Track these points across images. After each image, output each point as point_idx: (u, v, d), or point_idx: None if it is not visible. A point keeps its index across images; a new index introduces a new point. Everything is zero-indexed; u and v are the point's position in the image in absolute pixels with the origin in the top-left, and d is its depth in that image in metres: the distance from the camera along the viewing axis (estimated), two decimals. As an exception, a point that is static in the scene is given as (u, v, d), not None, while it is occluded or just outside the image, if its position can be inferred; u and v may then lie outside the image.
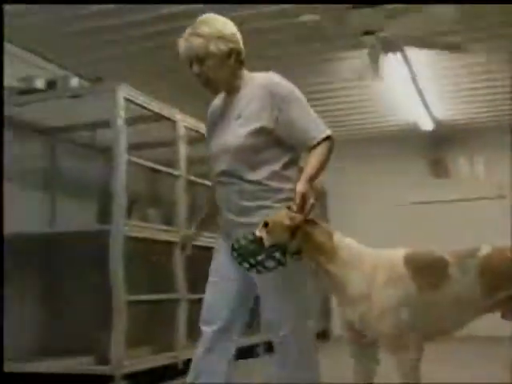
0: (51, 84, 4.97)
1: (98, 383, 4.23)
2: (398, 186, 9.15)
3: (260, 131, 2.63)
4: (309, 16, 5.08)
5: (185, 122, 5.33)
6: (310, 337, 2.75)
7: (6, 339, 3.94)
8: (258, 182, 2.64)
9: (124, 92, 4.48)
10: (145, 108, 4.82)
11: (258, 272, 2.46)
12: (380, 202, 9.20)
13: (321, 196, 8.98)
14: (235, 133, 2.66)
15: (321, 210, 9.09)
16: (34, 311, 5.24)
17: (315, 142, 2.61)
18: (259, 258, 2.41)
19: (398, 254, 2.59)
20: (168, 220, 5.37)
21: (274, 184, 2.64)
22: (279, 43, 5.76)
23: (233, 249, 2.44)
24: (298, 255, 2.49)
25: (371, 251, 2.59)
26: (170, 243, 4.94)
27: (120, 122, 4.41)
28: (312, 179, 2.54)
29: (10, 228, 4.24)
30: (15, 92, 5.01)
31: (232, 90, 2.75)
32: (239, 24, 2.74)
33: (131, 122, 4.64)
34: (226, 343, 2.73)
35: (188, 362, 2.95)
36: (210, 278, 2.78)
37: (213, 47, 2.64)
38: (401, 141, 9.14)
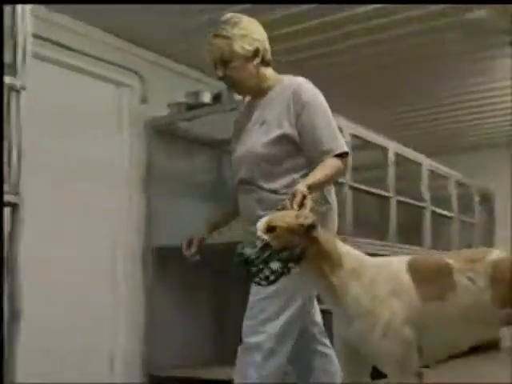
0: (217, 97, 5.12)
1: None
2: None
3: (281, 138, 2.53)
4: (476, 13, 4.86)
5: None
6: None
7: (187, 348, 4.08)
8: (276, 191, 2.52)
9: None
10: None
11: (271, 282, 2.13)
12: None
13: (487, 198, 8.60)
14: (258, 140, 2.57)
15: (488, 212, 8.68)
16: (209, 320, 5.46)
17: (331, 154, 2.47)
18: (273, 266, 2.09)
19: (401, 261, 2.27)
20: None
21: None
22: (444, 42, 5.53)
23: (238, 256, 2.08)
24: (297, 262, 2.14)
25: (373, 260, 2.29)
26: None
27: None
28: (311, 188, 2.31)
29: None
30: (184, 107, 5.23)
31: (259, 92, 2.66)
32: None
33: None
34: None
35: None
36: None
37: (237, 47, 2.56)
38: None
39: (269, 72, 2.66)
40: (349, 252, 2.24)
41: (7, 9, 2.82)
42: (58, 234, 4.60)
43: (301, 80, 2.62)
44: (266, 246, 2.07)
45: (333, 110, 2.61)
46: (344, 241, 2.30)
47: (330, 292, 2.20)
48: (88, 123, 4.95)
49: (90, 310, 4.78)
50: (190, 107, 5.21)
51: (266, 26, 2.71)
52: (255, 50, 2.58)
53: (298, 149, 2.55)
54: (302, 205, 2.20)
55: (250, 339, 2.50)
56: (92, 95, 5.04)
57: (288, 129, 2.53)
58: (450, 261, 2.23)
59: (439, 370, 3.25)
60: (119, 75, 5.20)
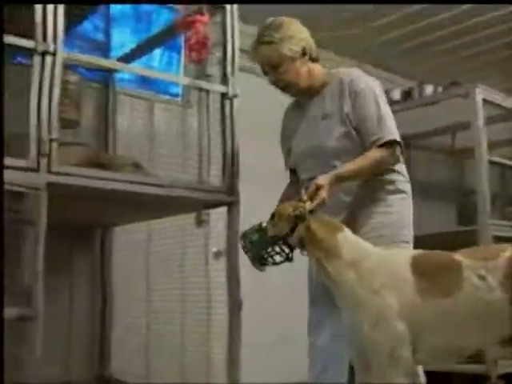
0: (407, 94, 5.22)
1: (472, 383, 4.30)
2: None
3: (347, 133, 2.51)
4: None
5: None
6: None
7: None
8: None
9: (482, 93, 4.51)
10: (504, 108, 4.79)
11: (264, 265, 2.28)
12: None
13: None
14: (325, 134, 2.54)
15: None
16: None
17: (377, 143, 2.42)
18: (268, 250, 2.24)
19: (406, 256, 2.17)
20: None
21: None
22: None
23: (241, 239, 2.31)
24: (302, 249, 2.26)
25: (378, 252, 2.20)
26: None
27: (480, 123, 4.45)
28: (339, 179, 2.34)
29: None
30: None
31: (312, 90, 2.62)
32: None
33: (489, 121, 4.65)
34: None
35: None
36: None
37: (285, 50, 2.53)
38: None
39: (318, 68, 2.65)
40: (349, 242, 2.21)
41: (217, 25, 3.17)
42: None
43: (354, 73, 2.63)
44: (265, 232, 2.26)
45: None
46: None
47: (328, 280, 2.23)
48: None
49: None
50: (380, 105, 5.34)
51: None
52: (302, 50, 2.57)
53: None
54: (313, 196, 2.27)
55: None
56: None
57: (350, 124, 2.53)
58: (460, 257, 2.09)
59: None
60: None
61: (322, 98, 2.62)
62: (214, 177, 3.34)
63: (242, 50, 3.12)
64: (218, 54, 3.23)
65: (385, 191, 2.55)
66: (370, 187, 2.53)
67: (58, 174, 2.52)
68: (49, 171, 2.49)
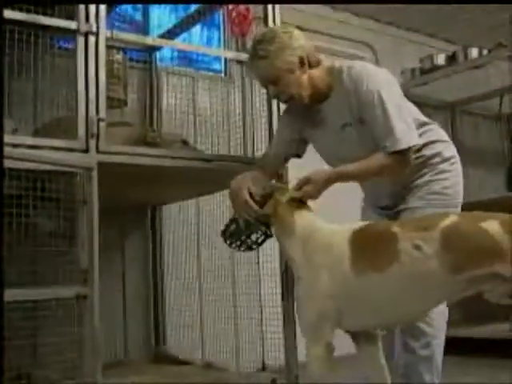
0: (451, 59, 5.11)
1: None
2: None
3: (371, 138, 2.38)
4: None
5: None
6: None
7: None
8: None
9: (530, 54, 4.39)
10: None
11: (251, 248, 2.39)
12: None
13: None
14: (352, 145, 2.44)
15: None
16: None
17: (386, 151, 2.30)
18: (247, 233, 2.35)
19: (347, 231, 2.13)
20: None
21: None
22: None
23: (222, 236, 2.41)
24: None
25: (327, 228, 2.20)
26: None
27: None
28: (340, 177, 2.32)
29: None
30: (418, 72, 5.30)
31: (318, 96, 2.49)
32: None
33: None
34: None
35: None
36: None
37: (282, 63, 2.39)
38: None
39: (319, 72, 2.50)
40: (303, 219, 2.23)
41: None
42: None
43: (355, 71, 2.43)
44: (238, 221, 2.36)
45: None
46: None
47: (286, 256, 2.33)
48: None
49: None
50: (424, 72, 5.25)
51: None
52: (300, 59, 2.43)
53: None
54: (302, 186, 2.27)
55: None
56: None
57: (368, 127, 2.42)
58: (397, 229, 2.05)
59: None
60: (353, 49, 5.40)
61: (333, 103, 2.49)
62: (259, 150, 3.33)
63: (283, 23, 3.09)
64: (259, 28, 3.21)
65: (432, 164, 2.48)
66: (414, 168, 2.43)
67: (107, 153, 2.55)
68: (98, 151, 2.52)
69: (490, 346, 4.53)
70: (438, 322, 2.44)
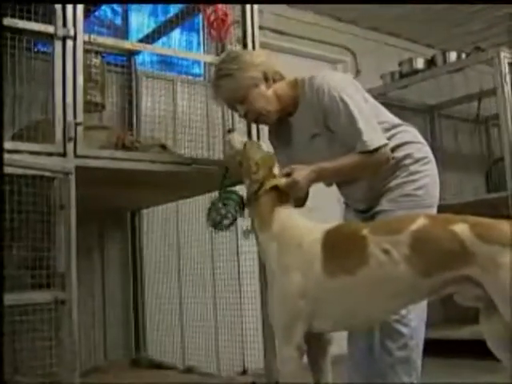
0: (430, 62, 5.15)
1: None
2: None
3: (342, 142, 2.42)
4: None
5: None
6: None
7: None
8: None
9: (507, 57, 4.44)
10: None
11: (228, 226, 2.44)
12: None
13: None
14: (323, 153, 2.46)
15: None
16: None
17: (359, 151, 2.36)
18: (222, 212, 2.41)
19: (319, 231, 2.13)
20: None
21: None
22: None
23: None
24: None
25: (303, 227, 2.19)
26: None
27: (505, 89, 4.39)
28: (320, 173, 2.33)
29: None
30: (397, 76, 5.34)
31: (286, 109, 2.56)
32: None
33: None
34: None
35: None
36: None
37: (246, 79, 2.47)
38: None
39: (284, 86, 2.56)
40: (281, 215, 2.21)
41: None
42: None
43: (316, 82, 2.47)
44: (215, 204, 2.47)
45: None
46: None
47: (260, 249, 2.30)
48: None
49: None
50: (403, 75, 5.29)
51: None
52: (264, 74, 2.51)
53: None
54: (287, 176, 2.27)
55: None
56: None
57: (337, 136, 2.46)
58: (367, 232, 2.04)
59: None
60: (333, 53, 5.44)
61: (300, 116, 2.54)
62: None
63: (261, 28, 3.10)
64: (237, 32, 3.21)
65: (404, 166, 2.49)
66: (387, 171, 2.47)
67: (85, 157, 2.53)
68: (75, 155, 2.50)
69: (471, 348, 4.57)
70: (415, 322, 2.46)
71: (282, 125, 2.62)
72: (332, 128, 2.45)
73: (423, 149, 2.57)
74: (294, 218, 2.23)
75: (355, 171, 2.43)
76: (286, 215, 2.22)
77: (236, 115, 3.38)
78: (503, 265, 1.83)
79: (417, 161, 2.51)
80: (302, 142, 2.57)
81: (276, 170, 2.30)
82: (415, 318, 2.45)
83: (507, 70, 4.43)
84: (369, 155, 2.36)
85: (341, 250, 2.08)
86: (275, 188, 2.24)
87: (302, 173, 2.28)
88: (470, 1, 4.83)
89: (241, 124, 3.15)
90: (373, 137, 2.36)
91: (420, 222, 1.98)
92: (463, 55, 5.06)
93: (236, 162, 2.37)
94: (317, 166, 2.34)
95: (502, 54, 4.44)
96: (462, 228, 1.91)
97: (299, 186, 2.27)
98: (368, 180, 2.51)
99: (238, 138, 2.42)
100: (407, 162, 2.50)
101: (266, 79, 2.51)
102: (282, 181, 2.25)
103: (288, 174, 2.27)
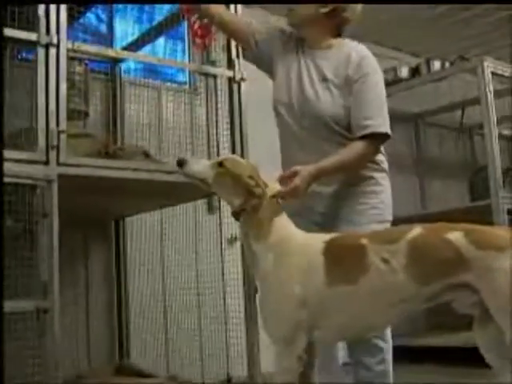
0: (415, 71, 5.20)
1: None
2: None
3: (345, 107, 2.43)
4: None
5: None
6: None
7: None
8: None
9: (490, 66, 4.48)
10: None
11: None
12: None
13: None
14: (324, 98, 2.45)
15: None
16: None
17: (364, 133, 2.34)
18: None
19: (319, 241, 2.11)
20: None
21: None
22: None
23: None
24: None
25: (300, 238, 2.15)
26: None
27: (489, 97, 4.43)
28: (322, 172, 2.29)
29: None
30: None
31: (316, 39, 2.57)
32: None
33: (499, 95, 4.62)
34: None
35: None
36: None
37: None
38: None
39: (337, 33, 2.63)
40: (279, 226, 2.16)
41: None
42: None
43: (363, 51, 2.54)
44: None
45: None
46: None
47: (251, 257, 2.19)
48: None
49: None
50: (387, 84, 5.31)
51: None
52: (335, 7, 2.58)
53: None
54: (287, 180, 2.22)
55: None
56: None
57: (346, 100, 2.44)
58: (366, 241, 2.04)
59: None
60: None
61: (325, 57, 2.54)
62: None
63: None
64: (222, 39, 3.23)
65: (372, 171, 2.49)
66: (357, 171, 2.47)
67: (68, 165, 2.52)
68: (58, 163, 2.49)
69: (459, 355, 4.59)
70: (388, 336, 2.48)
71: (302, 48, 2.63)
72: (352, 92, 2.42)
73: (387, 163, 2.59)
74: (291, 229, 2.19)
75: (359, 162, 2.42)
76: (283, 225, 2.18)
77: (220, 124, 3.41)
78: (498, 269, 1.85)
79: (383, 171, 2.53)
80: (305, 80, 2.53)
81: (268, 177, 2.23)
82: (388, 331, 2.47)
83: (491, 78, 4.47)
84: (373, 141, 2.38)
85: (342, 259, 2.07)
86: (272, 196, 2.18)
87: (302, 174, 2.23)
88: (469, 1, 4.85)
89: (225, 132, 3.17)
90: (386, 123, 2.40)
91: (416, 231, 2.00)
92: (447, 64, 5.11)
93: (224, 182, 2.20)
94: (317, 167, 2.29)
95: (486, 63, 4.48)
96: (456, 236, 1.93)
97: (300, 190, 2.23)
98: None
99: (199, 164, 2.23)
100: (377, 167, 2.50)
101: (333, 14, 2.57)
102: (279, 187, 2.20)
103: (291, 176, 2.23)
